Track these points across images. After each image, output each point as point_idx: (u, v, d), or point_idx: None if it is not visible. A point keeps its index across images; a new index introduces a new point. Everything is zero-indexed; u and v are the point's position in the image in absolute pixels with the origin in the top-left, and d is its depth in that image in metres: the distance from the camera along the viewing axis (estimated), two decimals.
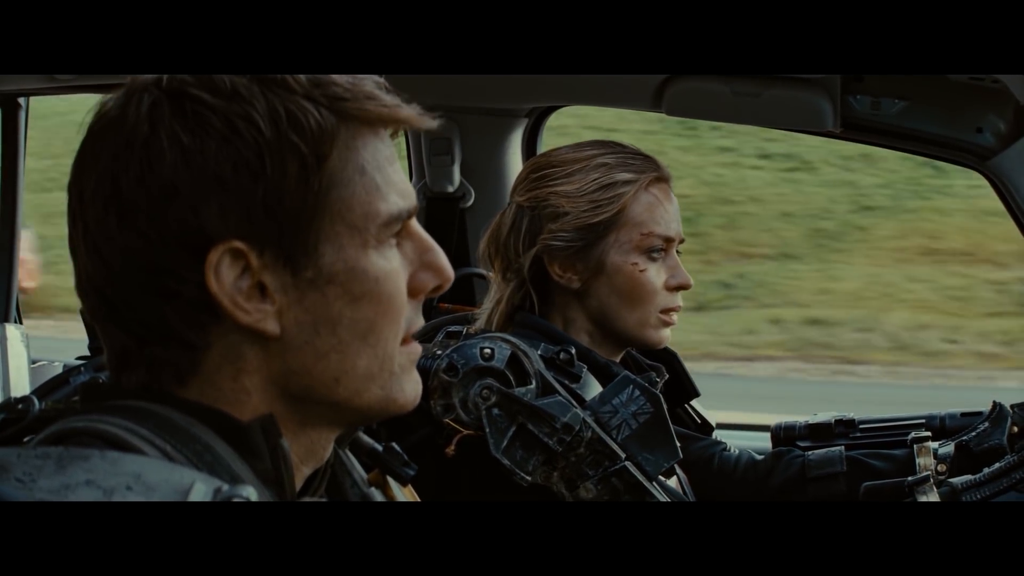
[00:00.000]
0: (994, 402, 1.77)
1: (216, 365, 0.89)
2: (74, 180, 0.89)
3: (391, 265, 0.92)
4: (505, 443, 1.46)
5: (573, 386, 1.53)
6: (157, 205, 0.85)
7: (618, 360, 1.72)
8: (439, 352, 1.54)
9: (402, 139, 0.96)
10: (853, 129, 1.85)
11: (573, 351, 1.56)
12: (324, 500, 0.88)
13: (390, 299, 0.92)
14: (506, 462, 1.46)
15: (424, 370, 1.47)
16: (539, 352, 1.53)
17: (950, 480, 1.65)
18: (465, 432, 1.48)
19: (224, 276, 0.86)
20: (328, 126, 0.88)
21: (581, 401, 1.51)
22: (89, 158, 0.88)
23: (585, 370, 1.56)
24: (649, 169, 1.68)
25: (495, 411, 1.47)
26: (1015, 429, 1.73)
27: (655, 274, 1.66)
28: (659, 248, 1.66)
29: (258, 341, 0.89)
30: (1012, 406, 1.75)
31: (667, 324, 1.69)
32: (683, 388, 1.87)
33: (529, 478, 1.46)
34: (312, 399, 0.92)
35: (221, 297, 0.87)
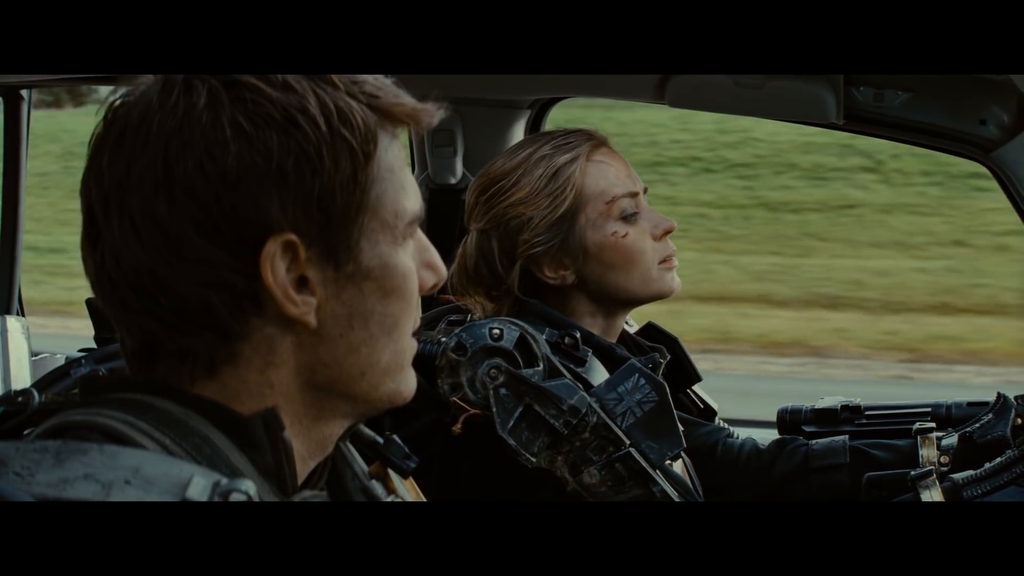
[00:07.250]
0: (998, 393, 1.77)
1: (246, 357, 0.89)
2: (109, 167, 0.87)
3: (411, 262, 0.94)
4: (511, 423, 1.46)
5: (578, 370, 1.53)
6: (216, 193, 0.85)
7: (616, 341, 1.72)
8: (443, 339, 1.54)
9: (403, 130, 0.96)
10: (856, 121, 1.84)
11: (578, 335, 1.56)
12: (323, 498, 0.88)
13: (412, 294, 0.94)
14: (512, 442, 1.46)
15: (430, 355, 1.48)
16: (544, 337, 1.54)
17: (951, 476, 1.65)
18: (472, 411, 1.48)
19: (277, 268, 0.87)
20: (371, 124, 0.90)
21: (587, 386, 1.51)
22: (128, 146, 0.87)
23: (590, 354, 1.57)
24: (583, 140, 1.68)
25: (502, 391, 1.47)
26: (1019, 421, 1.72)
27: (638, 234, 1.66)
28: (630, 210, 1.66)
29: (293, 334, 0.90)
30: (1016, 397, 1.74)
31: (670, 269, 1.69)
32: (684, 373, 1.87)
33: (534, 459, 1.47)
34: (334, 392, 0.92)
35: (274, 289, 0.87)
